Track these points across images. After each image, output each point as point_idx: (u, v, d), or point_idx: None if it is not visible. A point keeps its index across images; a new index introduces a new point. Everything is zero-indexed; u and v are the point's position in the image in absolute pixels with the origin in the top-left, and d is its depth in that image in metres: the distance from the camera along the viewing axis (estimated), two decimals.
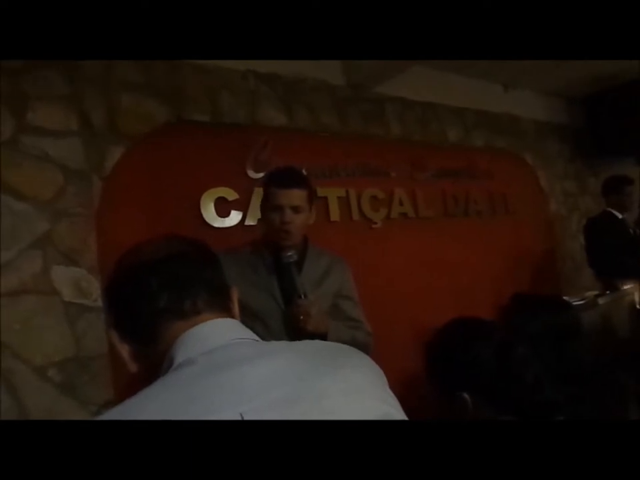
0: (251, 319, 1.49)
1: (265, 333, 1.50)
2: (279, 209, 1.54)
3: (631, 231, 3.08)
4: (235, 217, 2.25)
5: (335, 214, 2.59)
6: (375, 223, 2.74)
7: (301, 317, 1.49)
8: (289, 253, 1.55)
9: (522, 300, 1.38)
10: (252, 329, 1.49)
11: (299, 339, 1.51)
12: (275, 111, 2.50)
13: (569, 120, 4.06)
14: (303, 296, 1.51)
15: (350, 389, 0.59)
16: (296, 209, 1.54)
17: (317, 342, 0.69)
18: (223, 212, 2.22)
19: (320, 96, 2.68)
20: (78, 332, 1.80)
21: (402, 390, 1.94)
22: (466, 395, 0.94)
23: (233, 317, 0.68)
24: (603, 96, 3.88)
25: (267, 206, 1.57)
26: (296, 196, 1.55)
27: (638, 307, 1.86)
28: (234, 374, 0.56)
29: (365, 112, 2.86)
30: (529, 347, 0.99)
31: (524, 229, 3.50)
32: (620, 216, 3.16)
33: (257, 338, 0.65)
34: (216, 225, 2.20)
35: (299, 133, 2.57)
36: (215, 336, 0.62)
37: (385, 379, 0.66)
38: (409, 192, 2.93)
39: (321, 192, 2.55)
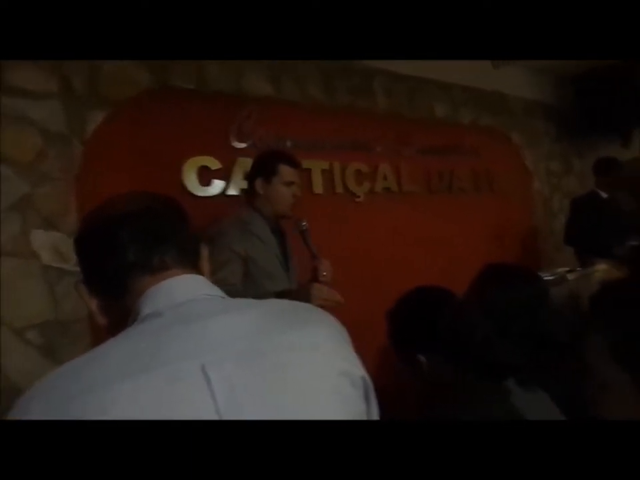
0: (262, 275, 1.72)
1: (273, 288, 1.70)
2: (291, 184, 1.78)
3: (614, 211, 3.11)
4: (217, 186, 2.26)
5: (318, 186, 2.60)
6: (359, 197, 2.76)
7: (324, 273, 1.72)
8: (304, 223, 1.79)
9: (494, 269, 1.41)
10: (262, 284, 1.68)
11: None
12: (261, 80, 2.48)
13: (556, 99, 4.06)
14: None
15: (313, 345, 0.60)
16: (298, 185, 1.83)
17: (284, 300, 0.70)
18: (205, 181, 2.22)
19: (307, 67, 2.66)
20: (57, 296, 1.82)
21: (379, 363, 1.99)
22: (422, 357, 0.98)
23: (201, 274, 0.69)
24: (591, 75, 3.87)
25: (278, 180, 1.76)
26: (299, 175, 1.85)
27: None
28: (198, 327, 0.57)
29: (353, 85, 2.85)
30: (483, 312, 1.02)
31: (507, 207, 3.54)
32: (605, 196, 3.20)
33: (224, 295, 0.66)
34: (198, 193, 2.20)
35: (285, 103, 2.56)
36: (182, 291, 0.62)
37: (348, 338, 0.68)
38: (394, 167, 2.93)
39: (305, 164, 2.55)
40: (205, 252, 0.72)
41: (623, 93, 3.70)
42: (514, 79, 3.73)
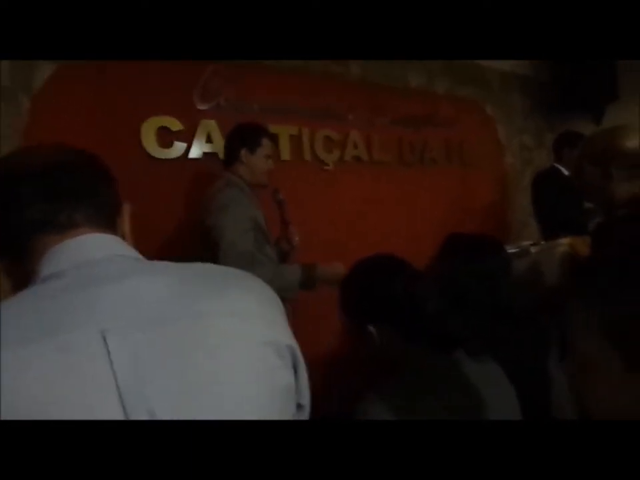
0: (265, 241, 1.82)
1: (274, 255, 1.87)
2: (270, 157, 1.89)
3: (577, 186, 3.12)
4: (178, 149, 2.15)
5: (285, 153, 2.51)
6: (327, 165, 2.69)
7: (297, 238, 1.96)
8: (280, 195, 1.99)
9: (455, 239, 1.40)
10: (266, 251, 1.80)
11: (289, 257, 1.94)
12: None
13: (532, 73, 4.02)
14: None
15: (236, 311, 0.56)
16: (273, 159, 1.93)
17: (209, 264, 0.64)
18: (165, 142, 2.12)
19: None
20: None
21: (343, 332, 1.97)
22: (372, 328, 0.95)
23: (120, 235, 0.63)
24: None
25: (261, 152, 1.86)
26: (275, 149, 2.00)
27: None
28: (103, 289, 0.51)
29: None
30: (440, 282, 0.99)
31: (478, 180, 3.52)
32: (566, 172, 3.20)
33: (139, 257, 0.61)
34: (157, 155, 2.09)
35: (254, 63, 2.44)
36: (91, 250, 0.56)
37: (281, 306, 0.63)
38: (364, 135, 2.86)
39: (272, 129, 2.46)
40: (126, 211, 0.66)
41: (596, 70, 3.68)
42: None
